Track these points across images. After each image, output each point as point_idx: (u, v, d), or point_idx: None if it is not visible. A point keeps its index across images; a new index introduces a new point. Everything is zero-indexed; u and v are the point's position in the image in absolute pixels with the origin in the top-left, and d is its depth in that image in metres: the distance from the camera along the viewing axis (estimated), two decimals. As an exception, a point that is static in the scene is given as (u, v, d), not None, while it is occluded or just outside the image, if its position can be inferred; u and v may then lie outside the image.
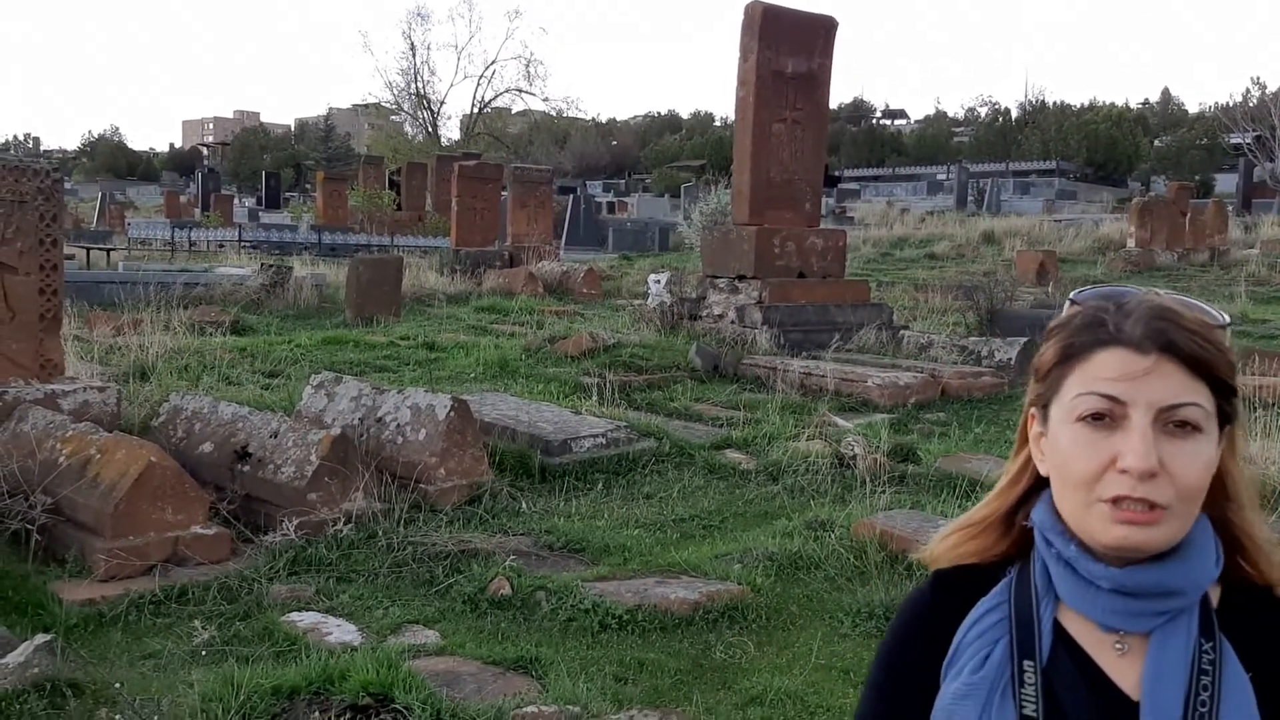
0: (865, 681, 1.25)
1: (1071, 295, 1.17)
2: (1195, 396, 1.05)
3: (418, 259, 18.00)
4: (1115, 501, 1.04)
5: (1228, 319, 1.14)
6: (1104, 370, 1.07)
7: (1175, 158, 52.68)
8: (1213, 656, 1.06)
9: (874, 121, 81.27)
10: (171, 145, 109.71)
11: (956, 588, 1.19)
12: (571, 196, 31.81)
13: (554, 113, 57.03)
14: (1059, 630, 1.12)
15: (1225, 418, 1.09)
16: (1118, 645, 1.10)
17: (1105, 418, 1.06)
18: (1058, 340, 1.12)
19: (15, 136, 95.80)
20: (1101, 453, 1.05)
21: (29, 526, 4.35)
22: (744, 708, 3.28)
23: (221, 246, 22.59)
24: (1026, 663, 1.10)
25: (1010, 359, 9.10)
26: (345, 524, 4.65)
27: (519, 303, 13.68)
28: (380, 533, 4.63)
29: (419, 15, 75.42)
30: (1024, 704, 1.09)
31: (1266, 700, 1.06)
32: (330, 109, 78.22)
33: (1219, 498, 1.12)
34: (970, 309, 12.48)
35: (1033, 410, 1.16)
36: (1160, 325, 1.06)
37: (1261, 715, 1.05)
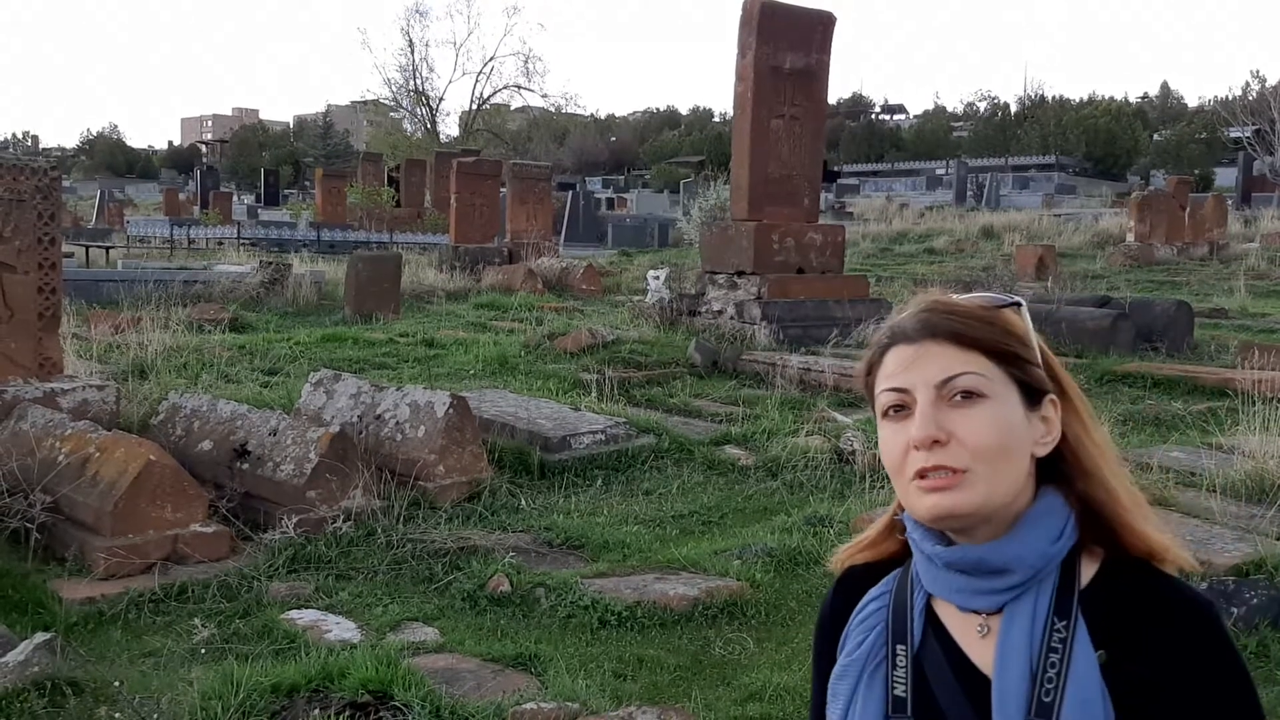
0: None
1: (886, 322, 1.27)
2: (968, 366, 1.14)
3: (417, 256, 18.01)
4: (921, 476, 1.12)
5: (1020, 300, 1.21)
6: (889, 368, 1.19)
7: (1175, 152, 52.59)
8: (1064, 635, 1.10)
9: (873, 117, 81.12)
10: (170, 143, 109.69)
11: (855, 583, 1.28)
12: (571, 193, 31.81)
13: (553, 109, 56.99)
14: (931, 616, 1.19)
15: (1029, 388, 1.16)
16: (979, 628, 1.15)
17: (903, 409, 1.16)
18: (864, 359, 1.25)
19: (14, 135, 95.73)
20: (901, 438, 1.15)
21: (28, 525, 4.36)
22: (743, 703, 3.29)
23: (220, 244, 22.56)
24: (899, 646, 1.18)
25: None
26: (344, 521, 4.66)
27: (518, 299, 13.68)
28: (379, 530, 4.63)
29: (417, 12, 75.19)
30: (894, 685, 1.16)
31: (1119, 678, 1.08)
32: (329, 106, 78.08)
33: (1072, 473, 1.18)
34: (969, 304, 12.47)
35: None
36: (925, 316, 1.18)
37: (1113, 692, 1.07)
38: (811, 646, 1.32)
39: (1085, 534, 1.16)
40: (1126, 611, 1.12)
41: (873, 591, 1.24)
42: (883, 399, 1.18)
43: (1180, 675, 1.07)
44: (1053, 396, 1.17)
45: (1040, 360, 1.18)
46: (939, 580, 1.16)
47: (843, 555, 1.31)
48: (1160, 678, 1.07)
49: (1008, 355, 1.15)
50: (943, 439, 1.11)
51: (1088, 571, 1.15)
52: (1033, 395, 1.16)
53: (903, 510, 1.22)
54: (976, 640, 1.14)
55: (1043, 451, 1.16)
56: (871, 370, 1.22)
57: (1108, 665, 1.08)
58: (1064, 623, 1.10)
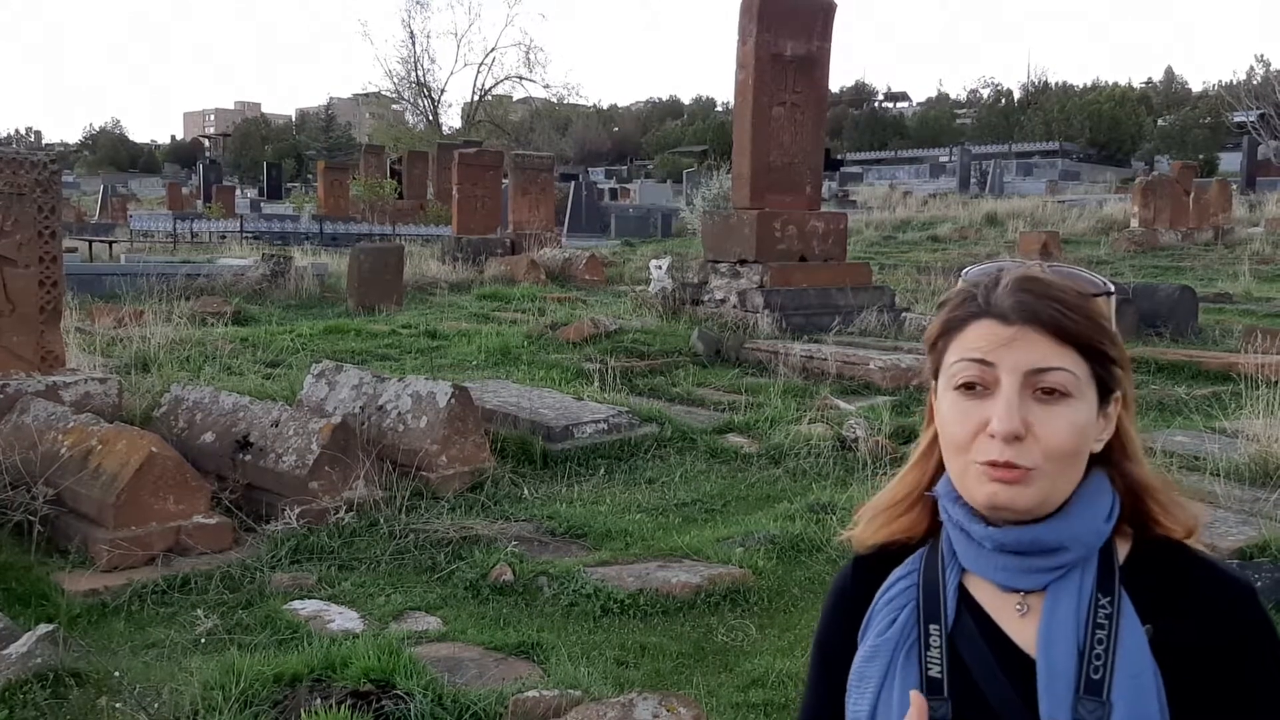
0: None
1: (962, 272, 1.21)
2: (1062, 362, 1.09)
3: (419, 247, 18.03)
4: (990, 464, 1.08)
5: (1110, 286, 1.16)
6: (975, 340, 1.11)
7: (1179, 137, 52.35)
8: (1109, 611, 1.08)
9: (876, 104, 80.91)
10: (173, 137, 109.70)
11: (875, 564, 1.24)
12: (573, 183, 31.75)
13: (555, 100, 56.81)
14: (964, 595, 1.16)
15: (1106, 386, 1.13)
16: (1018, 606, 1.13)
17: (979, 385, 1.10)
18: (941, 314, 1.17)
19: (17, 130, 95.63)
20: (974, 418, 1.10)
21: (31, 518, 4.36)
22: (745, 690, 3.29)
23: (223, 238, 22.59)
24: (932, 626, 1.14)
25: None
26: (347, 512, 4.66)
27: (521, 290, 13.67)
28: (382, 520, 4.63)
29: (418, 3, 74.75)
30: (929, 665, 1.13)
31: (1167, 651, 1.07)
32: (331, 99, 78.12)
33: (1118, 457, 1.16)
34: (973, 291, 12.42)
35: (932, 382, 1.20)
36: (1025, 296, 1.10)
37: (1162, 665, 1.06)
38: (819, 629, 1.27)
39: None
40: (1167, 588, 1.11)
41: (898, 571, 1.19)
42: (959, 368, 1.11)
43: (1226, 649, 1.07)
44: (1119, 394, 1.14)
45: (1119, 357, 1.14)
46: (982, 560, 1.13)
47: (872, 526, 1.26)
48: (1206, 651, 1.07)
49: (1098, 354, 1.11)
50: (1022, 434, 1.07)
51: (1121, 551, 1.14)
52: (1105, 394, 1.13)
53: (930, 487, 1.20)
54: (1015, 619, 1.12)
55: (1098, 448, 1.13)
56: (947, 332, 1.15)
57: (1154, 639, 1.07)
58: (1108, 599, 1.08)
